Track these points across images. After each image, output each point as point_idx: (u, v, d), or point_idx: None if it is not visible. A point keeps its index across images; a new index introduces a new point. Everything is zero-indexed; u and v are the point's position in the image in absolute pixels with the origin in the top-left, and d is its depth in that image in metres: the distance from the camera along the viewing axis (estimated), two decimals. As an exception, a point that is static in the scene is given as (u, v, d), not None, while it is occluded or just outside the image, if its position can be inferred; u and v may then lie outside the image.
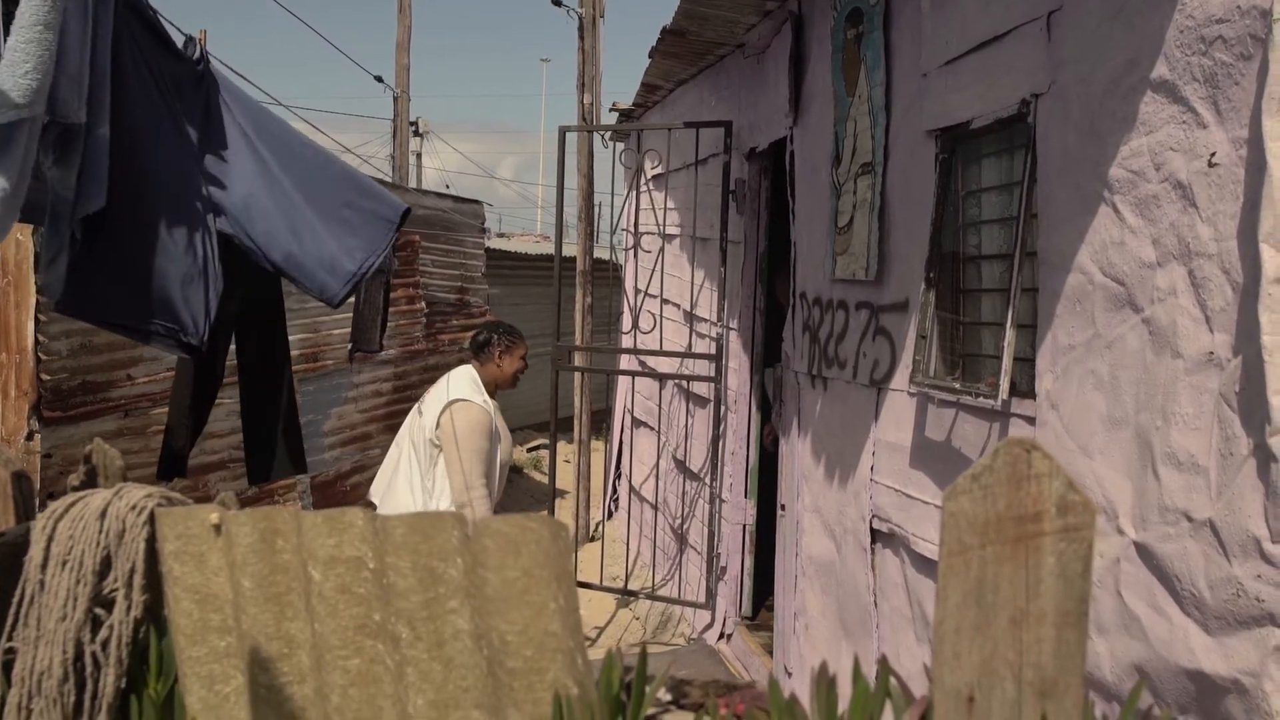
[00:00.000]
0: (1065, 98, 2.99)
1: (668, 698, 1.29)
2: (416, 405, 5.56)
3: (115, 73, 3.50)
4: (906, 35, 4.04)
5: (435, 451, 5.20)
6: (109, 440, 5.71)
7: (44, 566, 1.48)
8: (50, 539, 1.49)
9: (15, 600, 1.49)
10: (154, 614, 1.50)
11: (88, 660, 1.46)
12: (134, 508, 1.49)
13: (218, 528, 1.41)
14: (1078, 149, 2.93)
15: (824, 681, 1.07)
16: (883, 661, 1.08)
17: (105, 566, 1.49)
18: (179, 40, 4.07)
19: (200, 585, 1.42)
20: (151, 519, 1.48)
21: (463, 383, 5.35)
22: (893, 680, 1.06)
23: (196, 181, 3.87)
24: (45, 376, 5.95)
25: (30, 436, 5.98)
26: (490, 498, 5.17)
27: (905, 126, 4.03)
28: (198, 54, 4.10)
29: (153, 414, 6.77)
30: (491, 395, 5.41)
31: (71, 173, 3.38)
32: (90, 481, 1.69)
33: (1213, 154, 2.40)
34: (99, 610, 1.48)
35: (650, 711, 1.24)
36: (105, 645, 1.46)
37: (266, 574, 1.38)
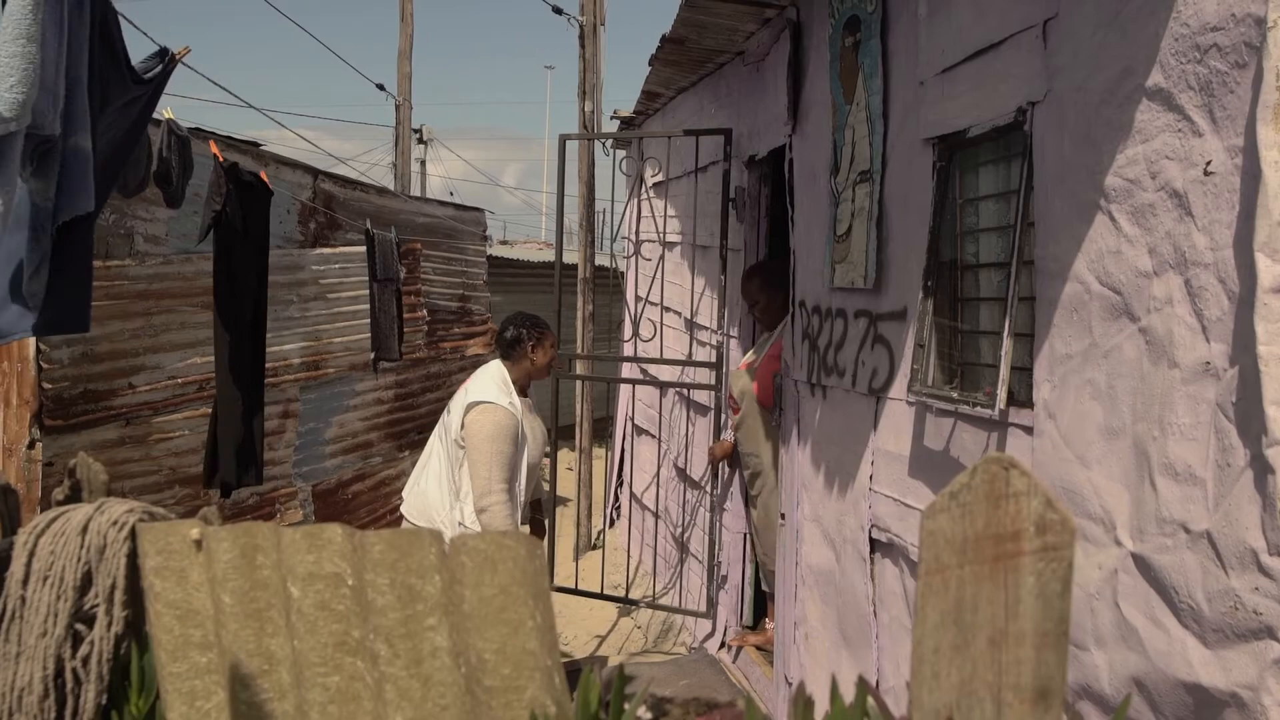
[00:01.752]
0: (1061, 106, 2.98)
1: (648, 716, 1.28)
2: (448, 404, 5.52)
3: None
4: (903, 43, 4.03)
5: (460, 453, 5.16)
6: (111, 449, 5.74)
7: (25, 582, 1.47)
8: (31, 554, 1.48)
9: (-4, 616, 1.49)
10: (136, 630, 1.49)
11: (68, 677, 1.45)
12: (115, 523, 1.48)
13: (198, 543, 1.40)
14: (1074, 157, 2.92)
15: (801, 700, 1.06)
16: (860, 681, 1.07)
17: (86, 582, 1.49)
18: (153, 48, 4.07)
19: (181, 601, 1.41)
20: (133, 534, 1.47)
21: (489, 383, 5.26)
22: (871, 700, 1.05)
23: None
24: (47, 385, 5.96)
25: (32, 445, 5.98)
26: (511, 502, 5.10)
27: (903, 134, 4.02)
28: (155, 72, 4.09)
29: (154, 422, 6.78)
30: (524, 392, 5.35)
31: (50, 184, 3.39)
32: (75, 495, 1.69)
33: (1208, 162, 2.39)
34: (80, 626, 1.47)
35: (630, 730, 1.23)
36: (86, 661, 1.45)
37: (247, 590, 1.37)
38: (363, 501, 9.53)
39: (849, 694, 1.11)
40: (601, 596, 7.32)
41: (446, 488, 5.21)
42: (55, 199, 3.39)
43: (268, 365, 7.69)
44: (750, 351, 6.19)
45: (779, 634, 5.55)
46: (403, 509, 5.49)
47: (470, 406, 5.13)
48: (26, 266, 3.42)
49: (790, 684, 5.25)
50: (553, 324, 7.39)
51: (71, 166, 3.43)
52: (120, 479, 6.45)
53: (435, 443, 5.39)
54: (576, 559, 9.23)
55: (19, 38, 3.13)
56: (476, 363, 11.84)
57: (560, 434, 7.93)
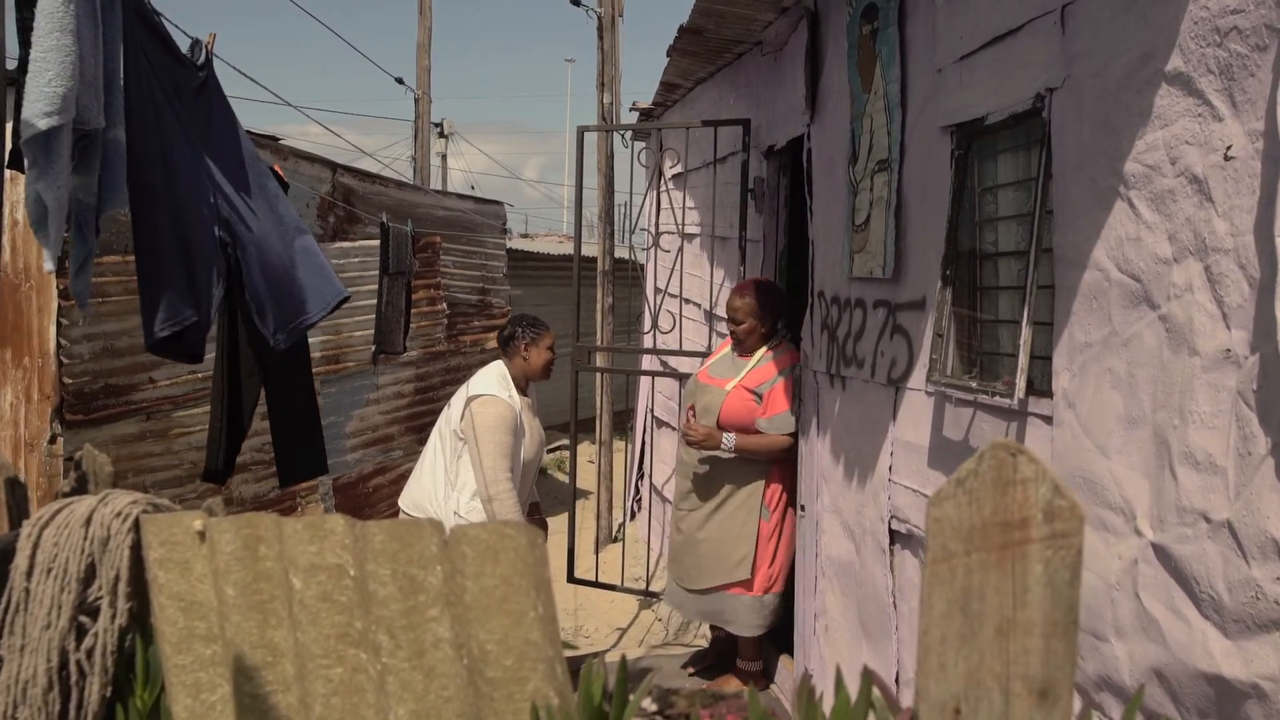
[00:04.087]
0: (1080, 92, 2.95)
1: (654, 707, 1.26)
2: (450, 399, 5.62)
3: (125, 78, 3.52)
4: (921, 30, 3.99)
5: (459, 444, 5.24)
6: (132, 443, 5.75)
7: (29, 574, 1.47)
8: (36, 546, 1.48)
9: (1, 608, 1.48)
10: (141, 622, 1.49)
11: (73, 669, 1.44)
12: (119, 514, 1.47)
13: (202, 535, 1.39)
14: (1093, 144, 2.88)
15: (805, 691, 1.04)
16: (866, 672, 1.05)
17: (90, 574, 1.48)
18: (185, 43, 4.07)
19: (185, 593, 1.40)
20: (137, 526, 1.47)
21: (489, 379, 5.38)
22: (877, 692, 1.03)
23: (203, 187, 3.88)
24: (67, 380, 5.98)
25: (53, 440, 6.01)
26: (515, 491, 5.18)
27: (921, 123, 3.98)
28: (203, 59, 4.10)
29: (175, 416, 6.80)
30: (524, 390, 5.42)
31: (93, 178, 3.39)
32: (81, 487, 1.68)
33: (1228, 147, 2.35)
34: (84, 618, 1.47)
35: (635, 722, 1.21)
36: (90, 654, 1.45)
37: (250, 581, 1.36)
38: (383, 495, 9.55)
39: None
40: (622, 589, 7.31)
41: (441, 478, 5.30)
42: (97, 193, 3.39)
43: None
44: (714, 363, 5.85)
45: (799, 626, 5.53)
46: (399, 502, 5.59)
47: (472, 399, 5.23)
48: (71, 264, 3.42)
49: (811, 676, 5.23)
50: (572, 317, 7.40)
51: (111, 160, 3.43)
52: (142, 473, 6.48)
53: (434, 438, 5.47)
54: (597, 551, 9.23)
55: (53, 31, 3.13)
56: (497, 356, 11.87)
57: (580, 427, 7.91)
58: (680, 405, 6.24)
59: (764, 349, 5.59)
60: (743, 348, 5.67)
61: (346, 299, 4.61)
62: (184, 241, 3.79)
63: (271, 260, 4.16)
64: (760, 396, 5.45)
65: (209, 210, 3.87)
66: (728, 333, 5.80)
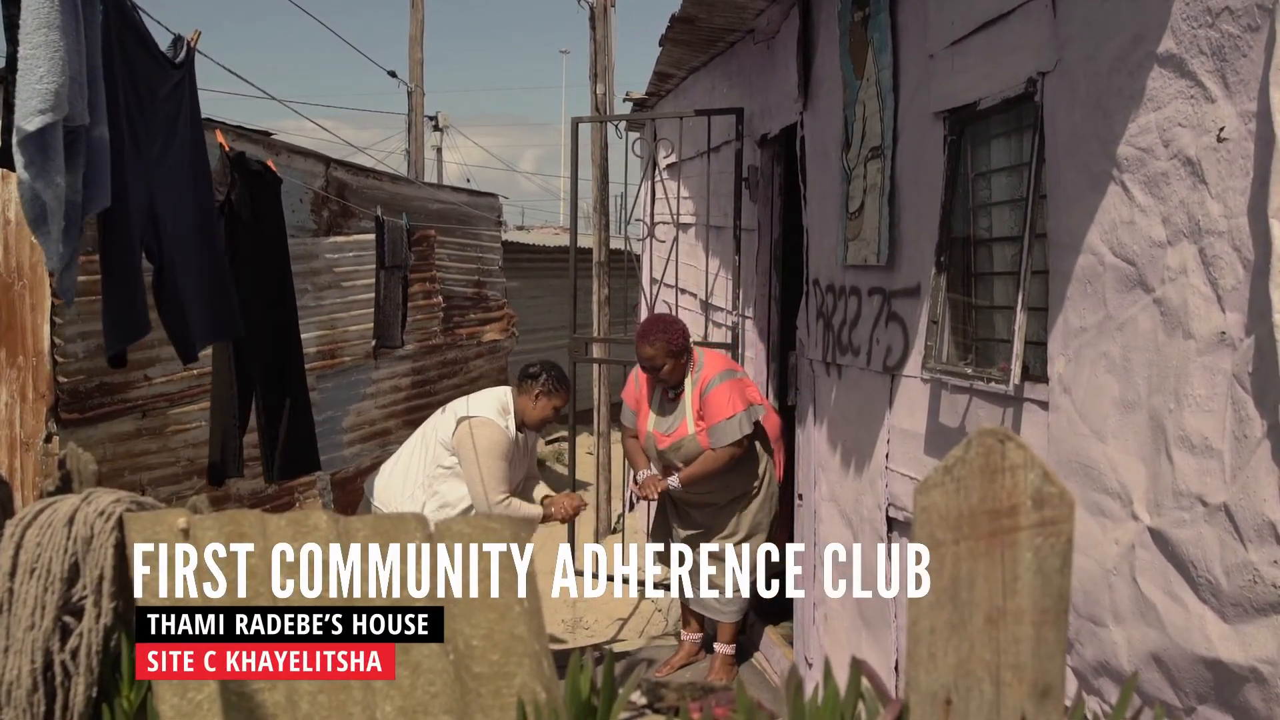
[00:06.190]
0: (1072, 75, 2.93)
1: (643, 701, 1.25)
2: (445, 405, 5.54)
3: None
4: (913, 16, 3.97)
5: (444, 454, 5.18)
6: (128, 441, 5.72)
7: (12, 574, 1.45)
8: (19, 546, 1.46)
9: (-15, 609, 1.47)
10: (125, 621, 1.47)
11: (57, 670, 1.43)
12: (102, 513, 1.46)
13: (185, 532, 1.37)
14: (1085, 127, 2.86)
15: (793, 683, 1.03)
16: (854, 662, 1.03)
17: (74, 573, 1.46)
18: (167, 38, 4.04)
19: (170, 590, 1.39)
20: (120, 524, 1.45)
21: (490, 404, 5.29)
22: (866, 682, 1.01)
23: (143, 197, 3.89)
24: (62, 379, 5.96)
25: (49, 439, 5.99)
26: (514, 500, 5.17)
27: (913, 109, 3.96)
28: (182, 56, 4.07)
29: (171, 414, 6.78)
30: (519, 426, 5.31)
31: (78, 176, 3.36)
32: (65, 486, 1.66)
33: (1221, 128, 2.33)
34: (69, 618, 1.45)
35: (624, 716, 1.20)
36: (75, 654, 1.43)
37: (234, 578, 1.35)
38: (382, 490, 9.52)
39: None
40: (622, 580, 7.31)
41: (411, 482, 5.23)
42: (82, 191, 3.37)
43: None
44: (657, 420, 5.71)
45: (798, 615, 5.53)
46: (364, 486, 5.57)
47: (467, 419, 5.15)
48: (59, 262, 3.39)
49: (810, 665, 5.23)
50: (568, 309, 7.38)
51: (96, 158, 3.41)
52: (138, 470, 6.46)
53: (416, 440, 5.40)
54: (596, 543, 9.22)
55: (40, 26, 3.11)
56: (493, 349, 11.84)
57: (578, 419, 7.91)
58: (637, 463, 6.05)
59: (687, 375, 5.52)
60: (669, 384, 5.58)
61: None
62: (134, 249, 3.82)
63: (183, 282, 4.21)
64: None
65: (144, 220, 3.88)
66: (650, 376, 5.65)
